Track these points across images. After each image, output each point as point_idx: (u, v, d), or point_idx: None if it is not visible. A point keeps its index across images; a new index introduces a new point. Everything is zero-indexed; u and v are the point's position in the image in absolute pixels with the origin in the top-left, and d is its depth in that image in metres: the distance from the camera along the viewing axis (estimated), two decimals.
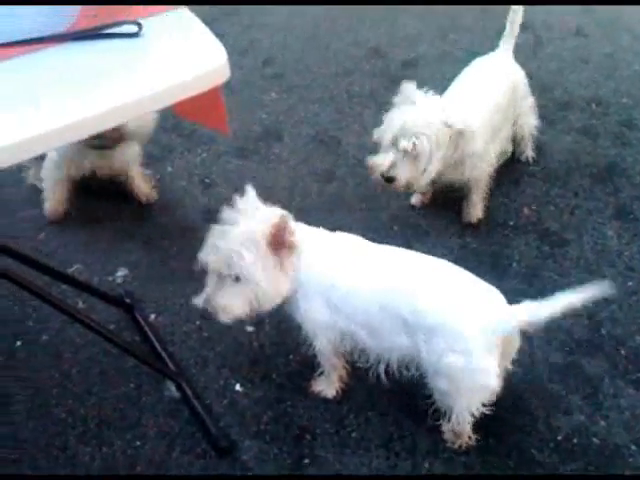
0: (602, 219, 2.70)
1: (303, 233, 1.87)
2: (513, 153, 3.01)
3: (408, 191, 2.62)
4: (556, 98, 3.41)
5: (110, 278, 2.67)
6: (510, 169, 2.98)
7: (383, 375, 1.95)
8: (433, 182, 2.62)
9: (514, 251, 2.60)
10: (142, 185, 2.95)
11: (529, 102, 2.85)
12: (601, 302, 2.24)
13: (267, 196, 2.41)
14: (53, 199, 2.85)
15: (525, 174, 2.94)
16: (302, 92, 3.68)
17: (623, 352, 2.22)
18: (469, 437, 1.97)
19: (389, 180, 2.36)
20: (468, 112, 2.43)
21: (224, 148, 3.30)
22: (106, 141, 2.65)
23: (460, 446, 1.98)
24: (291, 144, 3.31)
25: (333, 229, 2.57)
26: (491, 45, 2.89)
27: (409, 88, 2.35)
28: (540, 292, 2.26)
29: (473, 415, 1.86)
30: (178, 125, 3.43)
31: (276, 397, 2.17)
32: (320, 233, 1.95)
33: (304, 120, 3.45)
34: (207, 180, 3.11)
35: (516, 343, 1.86)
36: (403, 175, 2.35)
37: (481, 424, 1.94)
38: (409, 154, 2.31)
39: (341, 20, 4.29)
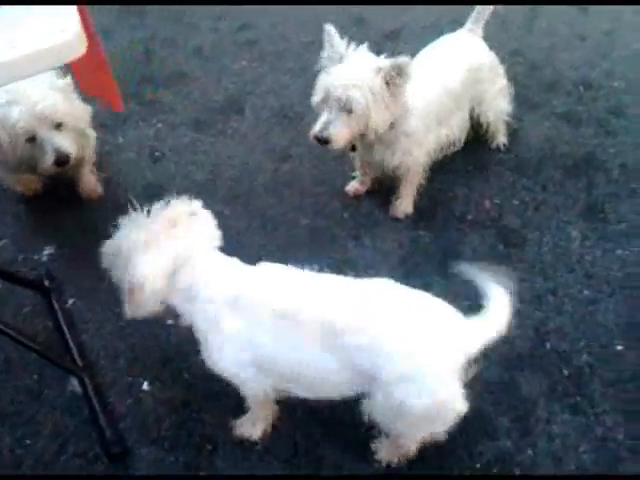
0: (568, 217, 2.46)
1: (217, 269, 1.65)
2: (485, 140, 2.74)
3: (353, 152, 2.44)
4: (543, 78, 3.15)
5: (36, 256, 2.53)
6: (478, 157, 2.76)
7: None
8: (375, 169, 2.46)
9: (467, 248, 2.39)
10: (89, 184, 2.74)
11: (498, 85, 2.60)
12: (551, 311, 2.06)
13: (215, 174, 2.21)
14: None
15: (493, 163, 2.70)
16: (274, 61, 3.46)
17: (565, 372, 2.02)
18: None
19: (324, 142, 2.14)
20: (412, 90, 2.19)
21: (181, 119, 3.13)
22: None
23: (397, 461, 1.81)
24: (252, 118, 3.11)
25: (283, 214, 2.42)
26: None
27: (339, 43, 2.13)
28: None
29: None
30: (138, 93, 3.21)
31: (183, 400, 2.01)
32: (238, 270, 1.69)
33: (271, 91, 3.25)
34: (157, 153, 2.94)
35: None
36: (339, 134, 2.13)
37: None
38: (342, 110, 2.09)
39: None
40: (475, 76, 2.47)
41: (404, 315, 1.52)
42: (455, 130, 2.51)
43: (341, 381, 1.57)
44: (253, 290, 1.59)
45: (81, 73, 1.91)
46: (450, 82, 2.37)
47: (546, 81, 3.10)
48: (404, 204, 2.51)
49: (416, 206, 2.57)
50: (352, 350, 1.49)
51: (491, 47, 2.57)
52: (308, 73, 3.00)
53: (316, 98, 2.16)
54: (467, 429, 1.86)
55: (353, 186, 2.61)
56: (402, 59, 2.07)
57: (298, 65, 3.36)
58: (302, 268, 1.73)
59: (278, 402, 1.84)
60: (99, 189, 2.73)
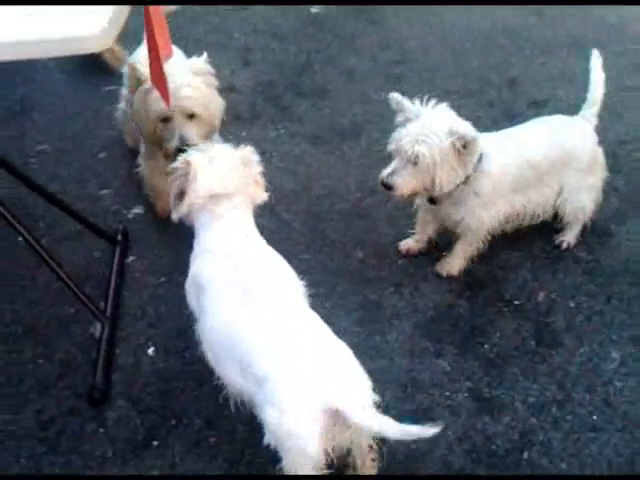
0: (617, 337, 2.30)
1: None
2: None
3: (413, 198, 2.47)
4: None
5: (125, 211, 2.85)
6: (558, 248, 2.66)
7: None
8: (430, 231, 2.55)
9: (497, 332, 2.34)
10: None
11: (589, 181, 2.48)
12: (548, 423, 2.08)
13: (304, 187, 2.52)
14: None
15: (570, 258, 2.59)
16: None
17: None
18: None
19: (387, 187, 2.25)
20: (493, 151, 2.26)
21: (303, 131, 3.39)
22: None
23: None
24: (364, 147, 3.27)
25: (343, 242, 2.67)
26: None
27: (404, 101, 2.24)
28: (492, 385, 2.17)
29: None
30: (280, 97, 3.55)
31: (173, 374, 2.20)
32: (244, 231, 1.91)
33: (392, 129, 3.30)
34: (267, 154, 3.14)
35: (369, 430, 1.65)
36: (402, 183, 2.22)
37: None
38: (410, 162, 2.18)
39: None
40: (567, 161, 2.42)
41: (305, 343, 1.61)
42: (532, 202, 2.46)
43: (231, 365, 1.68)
44: (223, 262, 1.78)
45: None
46: (535, 156, 2.35)
47: None
48: (452, 264, 2.51)
49: (470, 274, 2.54)
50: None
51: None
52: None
53: (390, 148, 2.25)
54: None
55: (407, 243, 2.64)
56: (469, 134, 2.12)
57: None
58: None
59: None
60: None
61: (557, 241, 2.63)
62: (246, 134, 3.29)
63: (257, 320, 1.65)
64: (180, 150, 2.29)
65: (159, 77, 1.90)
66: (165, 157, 2.44)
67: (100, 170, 3.04)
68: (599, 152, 2.51)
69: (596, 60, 2.46)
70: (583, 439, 2.03)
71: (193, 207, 1.87)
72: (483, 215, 2.35)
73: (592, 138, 2.47)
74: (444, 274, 2.52)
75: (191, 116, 2.36)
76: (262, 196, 1.99)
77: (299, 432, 1.54)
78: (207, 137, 2.45)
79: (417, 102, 2.22)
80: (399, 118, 2.25)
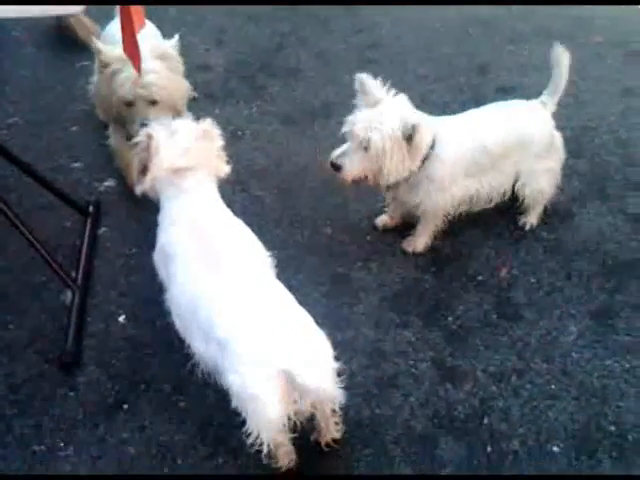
0: (576, 312, 2.39)
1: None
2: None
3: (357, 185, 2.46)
4: (631, 175, 3.01)
5: (96, 184, 2.87)
6: (521, 227, 2.75)
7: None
8: (400, 206, 2.57)
9: (460, 305, 2.41)
10: None
11: (546, 165, 2.55)
12: (507, 391, 2.14)
13: (276, 165, 2.36)
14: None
15: (532, 237, 2.68)
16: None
17: (489, 449, 2.00)
18: (290, 460, 1.89)
19: (336, 168, 2.28)
20: (446, 137, 2.29)
21: (275, 110, 3.42)
22: None
23: (280, 467, 1.89)
24: (334, 127, 3.11)
25: (314, 218, 2.60)
26: None
27: (370, 85, 2.24)
28: (454, 355, 2.24)
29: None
30: (253, 76, 3.62)
31: (144, 341, 2.24)
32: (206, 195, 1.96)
33: None
34: (239, 132, 3.19)
35: (325, 394, 1.69)
36: (350, 166, 2.26)
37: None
38: (362, 148, 2.21)
39: None
40: (523, 146, 2.46)
41: (263, 307, 1.65)
42: (485, 187, 2.51)
43: (195, 332, 1.73)
44: (189, 232, 1.84)
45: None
46: (491, 141, 2.39)
47: (634, 178, 2.98)
48: (417, 241, 2.58)
49: (435, 250, 2.62)
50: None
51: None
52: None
53: (344, 129, 2.29)
54: (367, 460, 1.93)
55: (382, 219, 2.70)
56: (414, 119, 2.16)
57: (403, 92, 3.45)
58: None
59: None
60: None
61: (520, 222, 2.71)
62: (219, 112, 3.32)
63: (220, 286, 1.69)
64: None
65: (132, 46, 1.93)
66: (128, 139, 2.45)
67: (72, 143, 3.05)
68: (557, 136, 2.57)
69: (560, 52, 2.49)
70: (541, 406, 2.11)
71: (157, 181, 1.92)
72: (438, 198, 2.42)
73: (549, 123, 2.53)
74: (410, 251, 2.59)
75: (154, 102, 2.40)
76: (224, 169, 2.03)
77: (258, 395, 1.58)
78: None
79: (381, 87, 2.25)
80: (359, 100, 2.28)
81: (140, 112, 2.35)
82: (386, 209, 2.69)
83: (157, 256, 1.91)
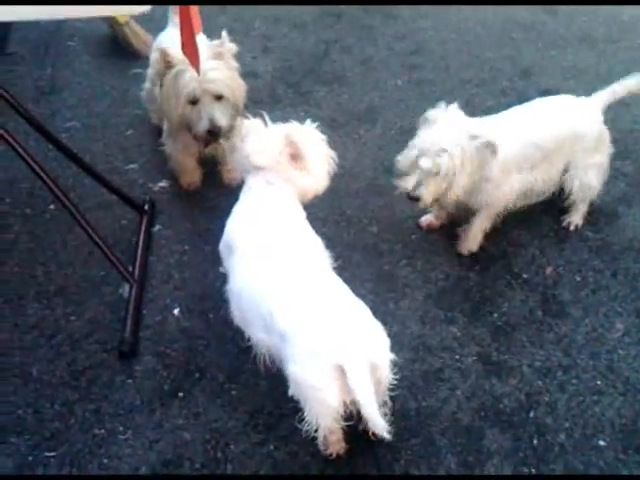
0: (621, 309, 2.41)
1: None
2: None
3: (435, 207, 2.60)
4: None
5: (151, 184, 2.98)
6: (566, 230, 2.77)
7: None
8: (451, 207, 2.59)
9: (505, 302, 2.44)
10: (231, 171, 2.93)
11: (596, 160, 2.57)
12: (553, 386, 2.18)
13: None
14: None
15: (577, 237, 2.70)
16: (426, 87, 3.68)
17: (535, 442, 2.03)
18: (340, 447, 1.96)
19: (414, 199, 2.35)
20: (498, 137, 2.30)
21: (321, 115, 3.47)
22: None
23: (331, 454, 1.96)
24: (379, 131, 3.38)
25: (359, 218, 2.69)
26: None
27: (430, 112, 2.31)
28: (500, 350, 2.28)
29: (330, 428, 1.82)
30: (300, 83, 3.69)
31: (198, 333, 2.32)
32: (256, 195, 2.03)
33: (409, 114, 3.44)
34: None
35: (382, 376, 1.76)
36: (427, 194, 2.32)
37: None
38: (432, 173, 2.26)
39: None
40: (574, 139, 2.49)
41: (322, 300, 1.72)
42: (539, 182, 2.54)
43: (257, 324, 1.80)
44: (253, 226, 1.92)
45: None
46: (542, 137, 2.43)
47: None
48: (470, 242, 2.61)
49: (481, 250, 2.65)
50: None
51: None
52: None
53: (410, 156, 2.34)
54: (414, 449, 1.98)
55: (427, 219, 2.75)
56: (492, 139, 2.22)
57: (447, 96, 3.50)
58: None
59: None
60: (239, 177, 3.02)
61: (565, 223, 2.74)
62: (267, 117, 3.39)
63: (279, 279, 1.76)
64: (210, 132, 2.45)
65: (191, 47, 2.02)
66: (195, 139, 2.57)
67: (127, 146, 3.16)
68: (605, 131, 2.59)
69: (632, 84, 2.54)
70: (587, 401, 2.13)
71: (242, 172, 2.06)
72: (497, 194, 2.46)
73: (598, 117, 2.56)
74: (465, 252, 2.63)
75: (218, 98, 2.47)
76: (310, 185, 2.08)
77: (319, 385, 1.65)
78: (234, 118, 2.55)
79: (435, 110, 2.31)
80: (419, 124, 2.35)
81: (206, 108, 2.42)
82: (430, 209, 2.70)
83: (222, 246, 2.01)
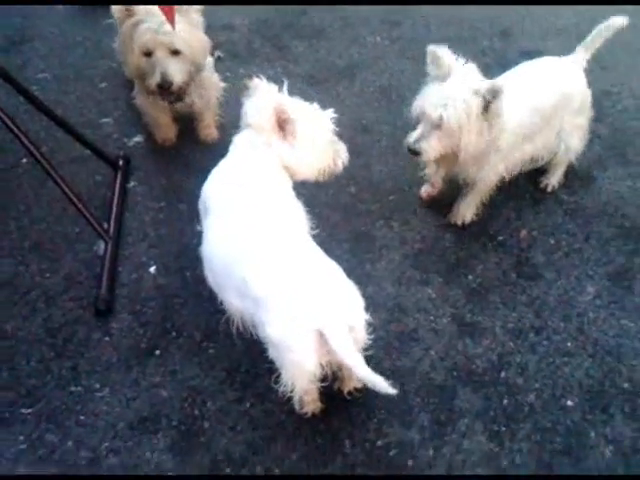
0: (593, 273, 2.45)
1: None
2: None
3: (446, 170, 2.54)
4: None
5: (126, 139, 2.94)
6: (542, 189, 2.81)
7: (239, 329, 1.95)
8: (449, 178, 2.59)
9: (480, 264, 2.47)
10: (208, 127, 2.98)
11: (579, 121, 2.58)
12: (525, 347, 2.22)
13: None
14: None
15: (552, 199, 2.73)
16: (405, 45, 3.61)
17: (505, 402, 2.08)
18: (315, 407, 1.99)
19: (415, 153, 2.26)
20: (506, 107, 2.23)
21: (299, 71, 3.45)
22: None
23: (306, 413, 1.99)
24: (358, 88, 3.34)
25: (338, 177, 2.60)
26: None
27: (443, 56, 2.19)
28: (474, 312, 2.31)
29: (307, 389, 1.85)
30: (279, 37, 3.63)
31: (173, 291, 2.32)
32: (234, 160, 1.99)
33: (387, 71, 3.44)
34: None
35: (357, 336, 1.76)
36: (430, 148, 2.23)
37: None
38: (437, 127, 2.19)
39: None
40: (567, 102, 2.47)
41: (298, 265, 1.70)
42: (540, 147, 2.53)
43: (231, 291, 1.78)
44: (231, 186, 1.88)
45: None
46: (542, 102, 2.39)
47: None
48: (465, 212, 2.61)
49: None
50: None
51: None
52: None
53: (413, 111, 2.26)
54: (387, 408, 2.02)
55: (426, 190, 2.73)
56: (497, 82, 2.12)
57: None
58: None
59: None
60: (215, 134, 2.97)
61: (542, 184, 2.75)
62: (243, 71, 3.35)
63: (253, 244, 1.73)
64: (161, 87, 2.39)
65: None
66: (147, 93, 2.51)
67: (101, 99, 3.10)
68: (588, 93, 2.59)
69: (619, 20, 2.48)
70: (557, 362, 2.18)
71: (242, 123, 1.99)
72: (501, 168, 2.44)
73: (583, 78, 2.55)
74: (460, 223, 2.62)
75: (174, 52, 2.40)
76: (285, 154, 1.99)
77: (295, 347, 1.66)
78: (191, 75, 2.50)
79: (454, 58, 2.20)
80: (430, 73, 2.24)
81: (160, 62, 2.36)
82: (423, 175, 2.69)
83: (200, 204, 1.97)
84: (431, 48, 2.19)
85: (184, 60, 2.43)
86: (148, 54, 2.38)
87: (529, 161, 2.57)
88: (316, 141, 2.00)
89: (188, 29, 2.42)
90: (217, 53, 3.48)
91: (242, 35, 3.60)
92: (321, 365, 1.70)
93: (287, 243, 1.76)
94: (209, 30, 3.21)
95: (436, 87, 2.17)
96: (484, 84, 2.10)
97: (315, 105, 2.04)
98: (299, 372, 1.72)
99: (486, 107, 2.11)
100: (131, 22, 2.35)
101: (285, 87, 2.00)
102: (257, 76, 2.01)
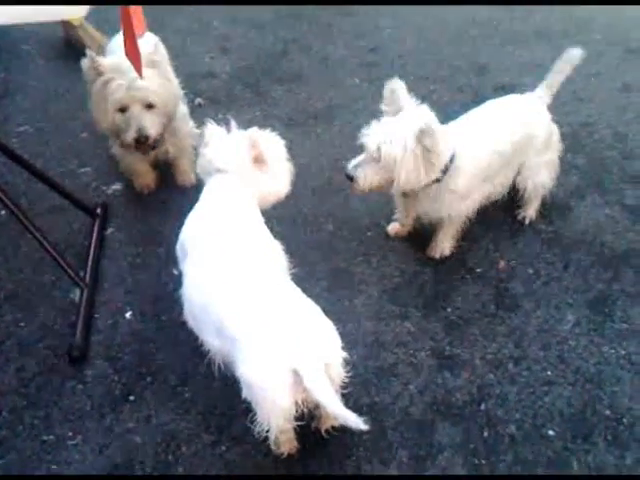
0: (573, 301, 2.43)
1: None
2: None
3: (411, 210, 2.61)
4: (629, 167, 3.06)
5: (104, 187, 2.95)
6: (519, 221, 2.81)
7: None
8: (416, 217, 2.62)
9: (459, 297, 2.46)
10: (185, 173, 3.02)
11: (546, 158, 2.59)
12: (505, 378, 2.18)
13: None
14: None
15: (530, 230, 2.73)
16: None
17: (485, 434, 2.04)
18: (291, 447, 1.95)
19: (350, 179, 2.32)
20: (463, 149, 2.29)
21: (278, 113, 3.49)
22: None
23: (282, 453, 1.95)
24: (337, 130, 3.40)
25: (315, 216, 2.71)
26: None
27: (398, 91, 2.25)
28: (453, 344, 2.29)
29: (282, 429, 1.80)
30: (258, 83, 3.71)
31: (151, 337, 2.30)
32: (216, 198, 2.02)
33: (366, 110, 3.42)
34: None
35: (334, 374, 1.74)
36: (364, 177, 2.28)
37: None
38: (375, 159, 2.23)
39: None
40: (528, 141, 2.49)
41: (273, 304, 1.69)
42: (498, 188, 2.55)
43: (209, 330, 1.76)
44: (208, 228, 1.91)
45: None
46: (501, 144, 2.40)
47: (631, 171, 3.02)
48: (441, 246, 2.60)
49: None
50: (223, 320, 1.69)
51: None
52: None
53: (359, 141, 2.31)
54: (365, 445, 1.99)
55: (394, 228, 2.74)
56: (425, 124, 2.13)
57: None
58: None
59: None
60: (193, 179, 2.99)
61: (520, 216, 2.76)
62: (222, 116, 3.38)
63: (229, 284, 1.73)
64: (137, 141, 2.44)
65: (133, 49, 2.01)
66: (122, 147, 2.57)
67: (81, 149, 3.14)
68: (554, 128, 2.61)
69: (576, 53, 2.52)
70: (537, 392, 2.15)
71: (203, 170, 2.07)
72: (460, 207, 2.44)
73: (546, 115, 2.57)
74: (438, 257, 2.62)
75: (148, 106, 2.46)
76: (273, 188, 2.13)
77: (269, 387, 1.63)
78: (165, 127, 2.57)
79: (409, 96, 2.27)
80: (385, 107, 2.30)
81: (135, 117, 2.40)
82: (396, 217, 2.71)
83: (178, 248, 1.98)
84: (388, 85, 2.26)
85: (158, 113, 2.48)
86: (122, 110, 2.42)
87: (488, 199, 2.56)
88: (281, 160, 2.12)
89: (160, 82, 2.47)
90: (198, 100, 3.53)
91: (223, 82, 3.67)
92: (296, 403, 1.67)
93: (263, 283, 1.75)
94: (190, 78, 3.32)
95: (383, 122, 2.22)
96: (418, 125, 2.12)
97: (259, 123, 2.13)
98: (274, 411, 1.68)
99: (425, 147, 2.14)
100: (101, 81, 2.40)
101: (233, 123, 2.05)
102: (208, 122, 2.06)
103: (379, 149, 2.18)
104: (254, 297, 1.70)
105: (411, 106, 2.24)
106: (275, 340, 1.62)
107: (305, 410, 1.69)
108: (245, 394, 1.70)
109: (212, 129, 2.05)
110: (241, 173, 2.02)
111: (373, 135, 2.21)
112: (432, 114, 2.24)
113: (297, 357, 1.59)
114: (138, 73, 2.14)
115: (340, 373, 1.74)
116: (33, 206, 2.76)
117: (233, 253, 1.81)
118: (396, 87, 2.24)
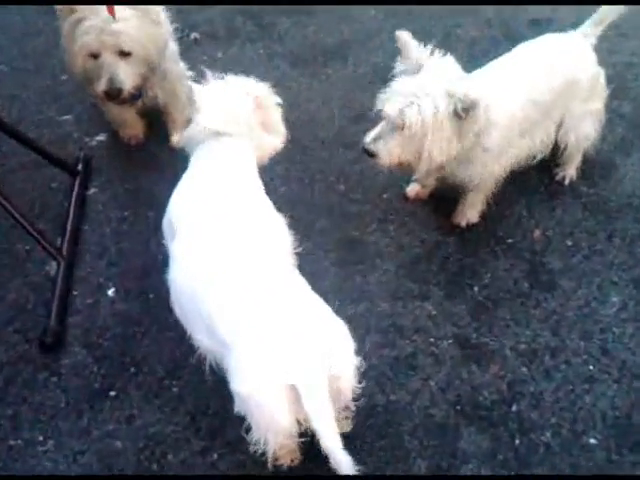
0: (618, 279, 2.13)
1: None
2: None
3: (404, 174, 2.25)
4: None
5: (88, 138, 2.63)
6: (556, 181, 2.46)
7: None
8: (440, 179, 2.25)
9: (488, 273, 2.15)
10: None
11: (591, 107, 2.23)
12: (540, 373, 1.91)
13: (285, 113, 2.03)
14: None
15: (569, 193, 2.39)
16: (403, 17, 3.25)
17: (517, 442, 1.77)
18: (293, 458, 1.70)
19: (370, 154, 1.94)
20: (495, 100, 1.92)
21: (283, 51, 3.11)
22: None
23: (282, 464, 1.69)
24: (350, 69, 3.04)
25: (325, 173, 2.47)
26: None
27: (410, 46, 1.88)
28: (480, 331, 2.01)
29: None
30: (261, 14, 3.28)
31: (135, 318, 2.03)
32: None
33: (382, 47, 3.08)
34: None
35: (344, 386, 1.47)
36: (386, 152, 1.91)
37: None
38: (398, 127, 1.86)
39: None
40: (571, 88, 2.13)
41: (270, 315, 1.39)
42: (537, 143, 2.19)
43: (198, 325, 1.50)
44: (201, 204, 1.63)
45: None
46: (539, 91, 2.05)
47: None
48: (469, 213, 2.29)
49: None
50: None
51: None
52: (432, 40, 2.75)
53: (375, 107, 1.93)
54: (379, 455, 1.76)
55: (414, 189, 2.39)
56: (474, 96, 1.78)
57: (426, 28, 3.10)
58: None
59: None
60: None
61: (558, 176, 2.43)
62: (222, 55, 3.02)
63: (222, 275, 1.45)
64: (107, 93, 2.10)
65: None
66: (95, 98, 2.24)
67: (62, 93, 2.80)
68: (600, 73, 2.24)
69: None
70: (577, 390, 1.89)
71: (192, 139, 1.78)
72: (494, 167, 2.10)
73: (592, 57, 2.20)
74: (464, 224, 2.30)
75: (123, 54, 2.09)
76: (273, 144, 1.89)
77: (267, 404, 1.37)
78: (144, 77, 2.20)
79: (424, 49, 1.88)
80: (399, 67, 1.92)
81: (107, 66, 2.05)
82: (416, 177, 2.35)
83: (165, 224, 1.70)
84: (400, 34, 1.88)
85: (135, 62, 2.12)
86: (95, 56, 2.07)
87: (528, 157, 2.21)
88: (277, 109, 1.90)
89: (139, 24, 2.09)
90: (193, 35, 3.15)
91: (221, 11, 3.27)
92: (298, 421, 1.40)
93: (263, 273, 1.47)
94: (184, 9, 2.90)
95: (404, 82, 1.85)
96: (460, 88, 1.76)
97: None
98: (272, 429, 1.42)
99: (459, 113, 1.78)
100: (72, 19, 2.03)
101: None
102: (196, 80, 1.79)
103: (402, 114, 1.79)
104: (250, 291, 1.42)
105: (433, 60, 1.85)
106: (273, 348, 1.35)
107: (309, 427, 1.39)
108: (238, 408, 1.42)
109: (202, 89, 1.76)
110: (244, 136, 1.76)
111: (393, 98, 1.83)
112: (457, 67, 1.89)
113: (297, 371, 1.33)
114: (111, 14, 1.75)
115: (351, 384, 1.48)
116: (5, 161, 2.42)
117: (229, 233, 1.53)
118: (406, 40, 1.87)
